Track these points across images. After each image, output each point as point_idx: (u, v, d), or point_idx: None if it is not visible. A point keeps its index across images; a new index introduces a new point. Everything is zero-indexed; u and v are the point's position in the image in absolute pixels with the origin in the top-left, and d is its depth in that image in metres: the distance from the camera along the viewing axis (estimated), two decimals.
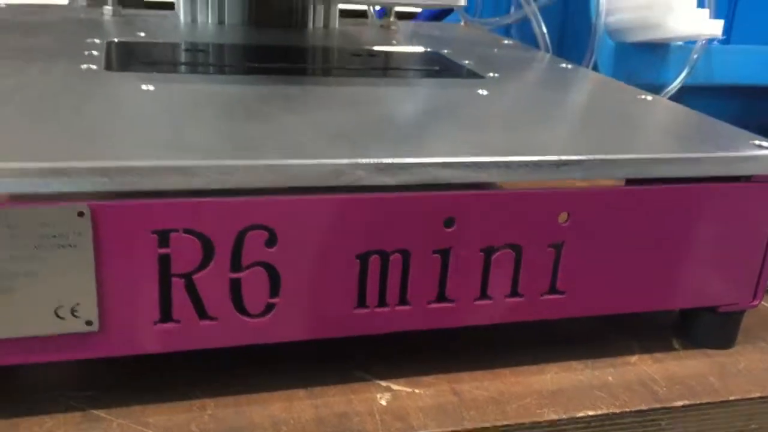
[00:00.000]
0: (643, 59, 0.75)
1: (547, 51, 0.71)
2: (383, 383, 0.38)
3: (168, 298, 0.33)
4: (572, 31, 0.76)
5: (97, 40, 0.55)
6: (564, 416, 0.37)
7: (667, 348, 0.43)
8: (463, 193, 0.35)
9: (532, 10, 0.71)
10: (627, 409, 0.37)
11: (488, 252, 0.37)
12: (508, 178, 0.36)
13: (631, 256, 0.39)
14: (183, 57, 0.54)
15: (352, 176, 0.33)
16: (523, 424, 0.36)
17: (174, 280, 0.33)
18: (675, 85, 0.74)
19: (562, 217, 0.37)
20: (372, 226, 0.35)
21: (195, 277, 0.33)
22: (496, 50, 0.65)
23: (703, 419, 0.39)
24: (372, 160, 0.34)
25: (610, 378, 0.40)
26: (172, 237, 0.32)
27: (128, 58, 0.51)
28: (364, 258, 0.35)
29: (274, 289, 0.34)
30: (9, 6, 0.68)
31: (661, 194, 0.39)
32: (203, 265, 0.33)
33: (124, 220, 0.31)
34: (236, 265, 0.33)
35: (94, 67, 0.47)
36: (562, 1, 0.79)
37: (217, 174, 0.32)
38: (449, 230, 0.36)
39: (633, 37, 0.73)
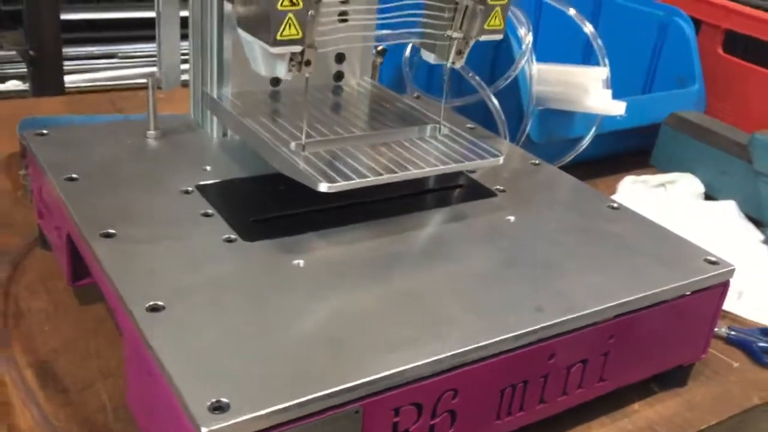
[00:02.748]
0: (561, 121, 0.95)
1: (505, 131, 0.89)
2: None
3: None
4: (503, 98, 0.94)
5: (190, 188, 0.65)
6: None
7: (651, 392, 0.65)
8: (558, 340, 0.54)
9: (487, 94, 0.88)
10: None
11: (569, 367, 0.56)
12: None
13: (640, 350, 0.60)
14: (286, 199, 0.65)
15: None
16: None
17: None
18: (587, 140, 0.95)
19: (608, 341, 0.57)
20: (508, 372, 0.52)
21: (411, 429, 0.49)
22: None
23: None
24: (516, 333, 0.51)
25: (630, 426, 0.61)
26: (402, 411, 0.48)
27: (244, 213, 0.62)
28: (503, 391, 0.53)
29: (453, 423, 0.51)
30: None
31: (656, 314, 0.59)
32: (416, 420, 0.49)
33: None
34: (435, 415, 0.50)
35: (233, 236, 0.59)
36: (490, 71, 0.97)
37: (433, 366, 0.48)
38: (550, 362, 0.54)
39: (554, 105, 0.93)
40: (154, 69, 1.85)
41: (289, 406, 0.43)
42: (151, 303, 0.50)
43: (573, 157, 0.96)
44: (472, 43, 0.65)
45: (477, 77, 0.89)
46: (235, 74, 0.71)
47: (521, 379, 0.54)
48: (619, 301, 0.56)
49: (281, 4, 0.53)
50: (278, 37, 0.54)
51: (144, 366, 0.48)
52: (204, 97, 0.73)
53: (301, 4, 0.54)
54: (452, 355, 0.49)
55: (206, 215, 0.62)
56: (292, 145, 0.62)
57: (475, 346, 0.50)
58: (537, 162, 0.79)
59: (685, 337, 0.64)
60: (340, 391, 0.45)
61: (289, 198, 0.66)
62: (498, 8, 0.64)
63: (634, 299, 0.57)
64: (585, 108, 0.92)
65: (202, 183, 0.66)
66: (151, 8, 0.73)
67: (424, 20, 0.64)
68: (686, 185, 0.99)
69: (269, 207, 0.65)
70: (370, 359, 0.47)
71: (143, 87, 1.65)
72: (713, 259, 0.64)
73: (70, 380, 0.60)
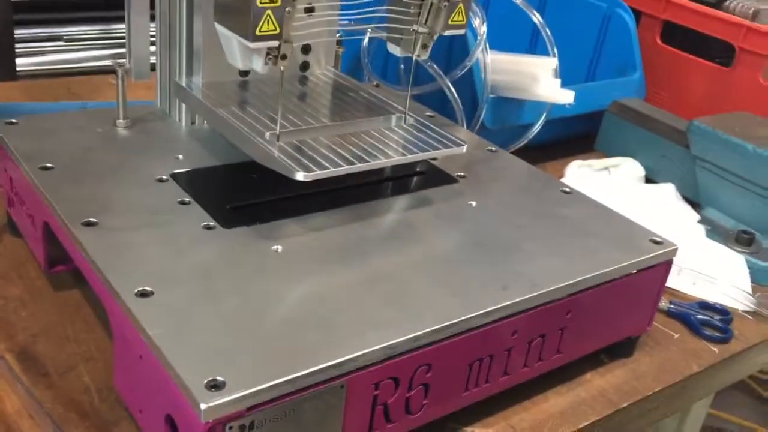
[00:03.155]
0: (513, 109, 1.00)
1: (462, 119, 0.93)
2: (468, 429, 0.61)
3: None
4: (459, 86, 0.98)
5: (164, 176, 0.67)
6: (573, 429, 0.62)
7: (601, 363, 0.71)
8: (521, 317, 0.58)
9: (445, 83, 0.92)
10: (603, 415, 0.64)
11: (530, 341, 0.60)
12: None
13: (593, 324, 0.65)
14: (260, 186, 0.68)
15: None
16: None
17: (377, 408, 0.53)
18: (537, 127, 1.00)
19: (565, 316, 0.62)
20: (477, 347, 0.57)
21: (389, 402, 0.53)
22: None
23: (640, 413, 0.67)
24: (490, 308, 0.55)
25: (584, 395, 0.66)
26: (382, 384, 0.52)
27: (220, 200, 0.64)
28: (471, 364, 0.57)
29: (427, 395, 0.55)
30: None
31: (607, 291, 0.64)
32: (394, 393, 0.53)
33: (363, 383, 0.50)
34: (411, 388, 0.54)
35: (212, 223, 0.61)
36: (446, 60, 1.01)
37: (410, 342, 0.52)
38: (514, 337, 0.59)
39: (507, 94, 0.98)
40: (102, 52, 1.82)
41: (281, 383, 0.46)
42: (140, 289, 0.52)
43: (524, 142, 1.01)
44: (436, 37, 0.69)
45: (435, 66, 0.92)
46: (205, 65, 0.73)
47: (488, 354, 0.58)
48: (575, 280, 0.61)
49: (260, 1, 0.56)
50: (257, 33, 0.57)
51: (135, 350, 0.51)
52: (175, 87, 0.75)
53: (279, 1, 0.57)
54: (428, 332, 0.53)
55: (183, 203, 0.64)
56: (267, 135, 0.65)
57: (449, 323, 0.54)
58: (494, 149, 0.83)
59: (632, 312, 0.69)
60: (327, 368, 0.48)
61: (262, 185, 0.68)
62: (461, 4, 0.67)
63: (588, 278, 0.62)
64: (536, 96, 0.96)
65: (176, 171, 0.68)
66: None
67: (391, 15, 0.67)
68: (628, 169, 1.05)
69: (244, 194, 0.67)
70: (352, 338, 0.51)
71: (96, 71, 1.64)
72: (658, 239, 0.69)
73: (51, 364, 0.62)
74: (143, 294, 0.52)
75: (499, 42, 1.07)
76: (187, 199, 0.64)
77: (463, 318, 0.54)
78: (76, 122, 0.75)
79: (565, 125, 1.08)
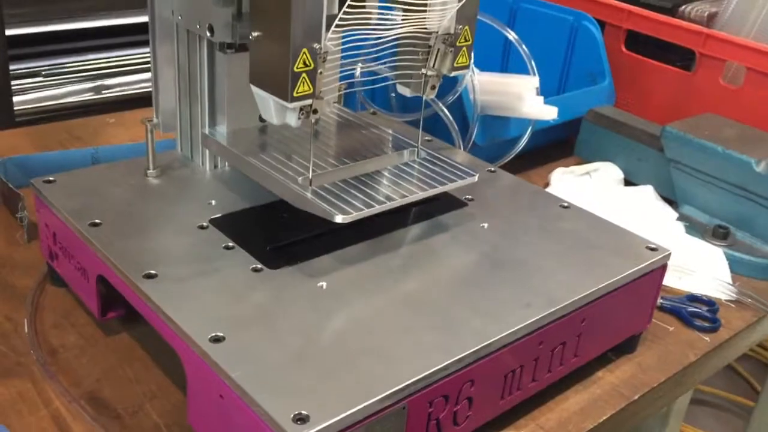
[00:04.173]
0: (501, 125, 1.07)
1: (459, 141, 1.00)
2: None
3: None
4: (450, 108, 1.05)
5: (204, 223, 0.73)
6: (595, 424, 0.70)
7: (609, 360, 0.78)
8: (544, 330, 0.66)
9: (440, 108, 0.99)
10: (618, 408, 0.72)
11: (553, 349, 0.68)
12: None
13: (603, 328, 0.73)
14: (291, 225, 0.74)
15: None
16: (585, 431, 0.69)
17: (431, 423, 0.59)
18: (524, 140, 1.08)
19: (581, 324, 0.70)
20: (510, 360, 0.64)
21: (440, 417, 0.60)
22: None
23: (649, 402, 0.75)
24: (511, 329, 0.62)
25: (599, 391, 0.74)
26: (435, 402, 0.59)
27: (260, 243, 0.70)
28: (506, 375, 0.64)
29: (470, 407, 0.62)
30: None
31: (614, 297, 0.72)
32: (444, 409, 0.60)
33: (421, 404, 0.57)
34: (457, 402, 0.61)
35: (258, 266, 0.67)
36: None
37: (457, 363, 0.58)
38: (539, 347, 0.66)
39: (494, 113, 1.05)
40: (82, 86, 1.84)
41: (356, 411, 0.53)
42: (213, 335, 0.58)
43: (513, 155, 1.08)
44: (442, 77, 0.75)
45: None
46: (230, 115, 0.79)
47: (519, 364, 0.65)
48: (588, 292, 0.69)
49: (297, 67, 0.62)
50: (294, 95, 0.63)
51: (214, 390, 0.57)
52: (202, 137, 0.80)
53: (312, 65, 0.63)
54: (471, 352, 0.60)
55: (227, 248, 0.70)
56: (300, 180, 0.71)
57: (487, 342, 0.61)
58: (493, 169, 0.91)
59: (635, 312, 0.77)
60: (392, 393, 0.55)
61: (293, 224, 0.74)
62: (464, 48, 0.74)
63: (599, 288, 0.70)
64: (522, 114, 1.04)
65: (213, 217, 0.74)
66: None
67: (402, 61, 0.74)
68: (608, 173, 1.13)
69: (279, 235, 0.73)
70: (408, 363, 0.58)
71: (88, 110, 1.67)
72: (653, 246, 0.77)
73: (120, 406, 0.67)
74: (216, 339, 0.58)
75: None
76: (230, 244, 0.70)
77: (498, 337, 0.62)
78: (108, 176, 0.80)
79: (544, 134, 1.16)
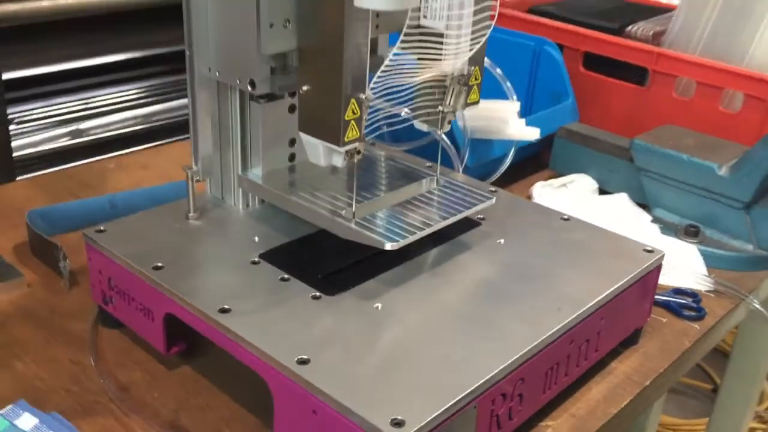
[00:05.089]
0: (487, 147, 1.17)
1: (458, 165, 1.09)
2: (542, 423, 0.77)
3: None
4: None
5: (255, 258, 0.80)
6: (618, 409, 0.80)
7: (618, 353, 0.89)
8: (574, 329, 0.75)
9: (440, 136, 1.08)
10: (635, 393, 0.82)
11: (580, 346, 0.77)
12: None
13: (616, 324, 0.83)
14: (334, 253, 0.81)
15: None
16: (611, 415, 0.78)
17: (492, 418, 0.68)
18: (509, 159, 1.18)
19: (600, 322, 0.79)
20: (550, 358, 0.73)
21: (499, 413, 0.68)
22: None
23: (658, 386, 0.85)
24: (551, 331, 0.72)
25: (615, 380, 0.84)
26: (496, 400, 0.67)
27: (312, 272, 0.78)
28: (546, 372, 0.73)
29: (521, 403, 0.71)
30: None
31: (625, 296, 0.82)
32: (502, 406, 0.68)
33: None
34: (512, 399, 0.69)
35: (317, 294, 0.74)
36: None
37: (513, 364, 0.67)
38: (571, 345, 0.76)
39: (482, 136, 1.15)
40: (56, 131, 1.86)
41: (441, 413, 0.61)
42: (299, 357, 0.65)
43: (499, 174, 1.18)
44: (456, 112, 0.84)
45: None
46: (264, 159, 0.86)
47: (556, 362, 0.74)
48: (606, 293, 0.78)
49: (347, 116, 0.70)
50: (345, 140, 0.71)
51: (306, 407, 0.64)
52: (239, 180, 0.87)
53: (359, 112, 0.71)
54: (522, 354, 0.68)
55: (284, 279, 0.77)
56: (344, 212, 0.78)
57: (533, 345, 0.70)
58: (494, 189, 1.00)
59: (638, 308, 0.87)
60: (466, 395, 0.63)
61: (336, 252, 0.82)
62: (475, 86, 0.83)
63: (614, 289, 0.80)
64: (507, 136, 1.14)
65: (262, 252, 0.81)
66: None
67: (421, 100, 0.83)
68: (583, 183, 1.24)
69: (326, 263, 0.81)
70: (474, 367, 0.66)
71: (83, 153, 1.69)
72: (649, 248, 0.88)
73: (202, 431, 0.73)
74: (303, 362, 0.65)
75: None
76: (285, 276, 0.77)
77: (541, 339, 0.71)
78: (153, 222, 0.86)
79: (520, 151, 1.27)
